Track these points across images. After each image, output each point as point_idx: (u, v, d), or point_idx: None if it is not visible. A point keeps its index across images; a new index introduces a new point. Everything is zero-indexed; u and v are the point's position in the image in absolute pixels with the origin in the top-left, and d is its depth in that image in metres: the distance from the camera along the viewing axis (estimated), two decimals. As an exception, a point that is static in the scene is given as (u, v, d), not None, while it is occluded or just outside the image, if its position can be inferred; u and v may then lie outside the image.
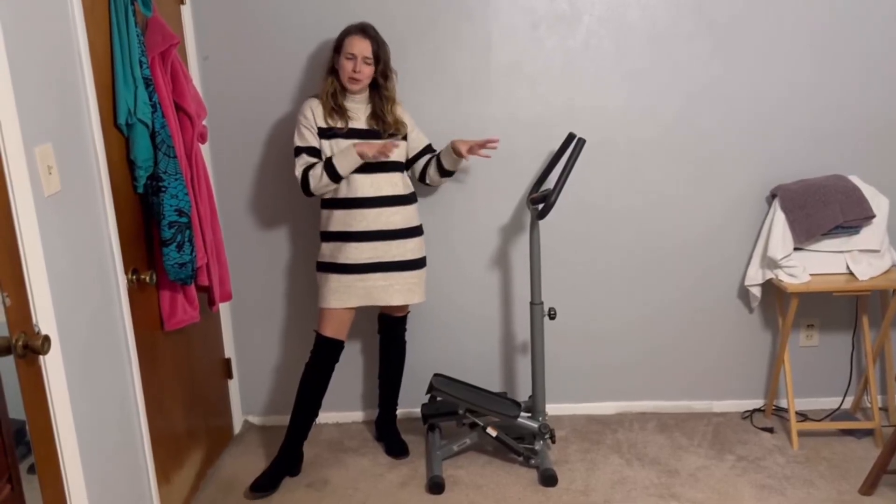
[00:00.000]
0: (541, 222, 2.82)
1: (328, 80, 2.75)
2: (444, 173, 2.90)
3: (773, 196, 3.10)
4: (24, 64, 1.75)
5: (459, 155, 2.80)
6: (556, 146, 2.98)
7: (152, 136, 2.29)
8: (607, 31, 2.98)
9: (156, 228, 2.40)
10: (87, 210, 2.05)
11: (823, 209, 2.93)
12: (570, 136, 2.86)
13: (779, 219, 3.00)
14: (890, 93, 3.04)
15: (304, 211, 3.12)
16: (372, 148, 2.65)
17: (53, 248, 1.83)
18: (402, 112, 2.86)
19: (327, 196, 2.79)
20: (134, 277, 2.29)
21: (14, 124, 1.69)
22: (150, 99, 2.27)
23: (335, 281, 2.79)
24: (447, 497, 2.80)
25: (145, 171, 2.31)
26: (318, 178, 2.69)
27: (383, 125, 2.79)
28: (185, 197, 2.38)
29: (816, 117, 3.06)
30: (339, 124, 2.74)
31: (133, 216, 2.35)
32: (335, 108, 2.73)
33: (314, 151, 2.74)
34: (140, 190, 2.35)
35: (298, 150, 2.75)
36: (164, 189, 2.33)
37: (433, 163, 2.90)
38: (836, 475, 2.88)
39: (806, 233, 2.96)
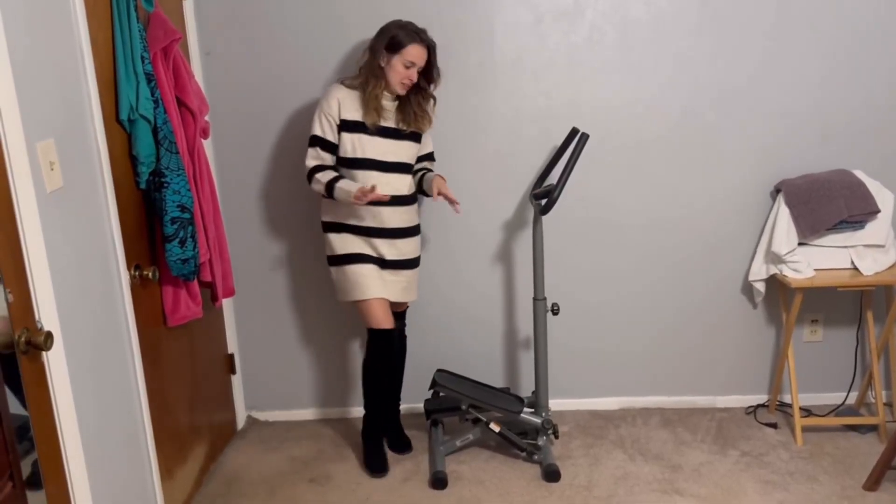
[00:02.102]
0: (544, 218, 2.81)
1: (375, 80, 2.65)
2: (420, 191, 2.87)
3: (777, 191, 3.09)
4: (25, 59, 1.75)
5: (431, 193, 2.77)
6: (560, 141, 2.97)
7: (154, 131, 2.29)
8: (611, 25, 2.96)
9: (158, 224, 2.40)
10: (89, 206, 2.04)
11: (828, 204, 2.92)
12: (574, 131, 2.85)
13: (783, 214, 2.99)
14: (895, 87, 3.02)
15: (307, 206, 3.12)
16: (363, 198, 2.63)
17: (56, 245, 1.83)
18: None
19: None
20: (136, 273, 2.29)
21: (16, 120, 1.69)
22: (152, 94, 2.27)
23: (369, 271, 2.77)
24: (450, 492, 2.80)
25: (147, 167, 2.31)
26: (319, 185, 2.69)
27: (413, 120, 2.73)
28: (187, 193, 2.38)
29: (821, 112, 3.04)
30: (370, 121, 2.68)
31: (135, 212, 2.35)
32: (377, 107, 2.66)
33: (329, 146, 2.71)
34: (142, 186, 2.35)
35: (314, 140, 2.71)
36: (166, 185, 2.33)
37: (417, 175, 2.86)
38: (839, 471, 2.87)
39: (810, 228, 2.95)
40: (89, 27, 2.04)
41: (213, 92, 2.99)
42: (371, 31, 2.95)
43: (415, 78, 2.67)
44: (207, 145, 2.96)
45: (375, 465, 2.94)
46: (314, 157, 2.72)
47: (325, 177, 2.67)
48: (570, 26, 2.96)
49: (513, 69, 3.01)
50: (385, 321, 2.80)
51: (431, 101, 2.79)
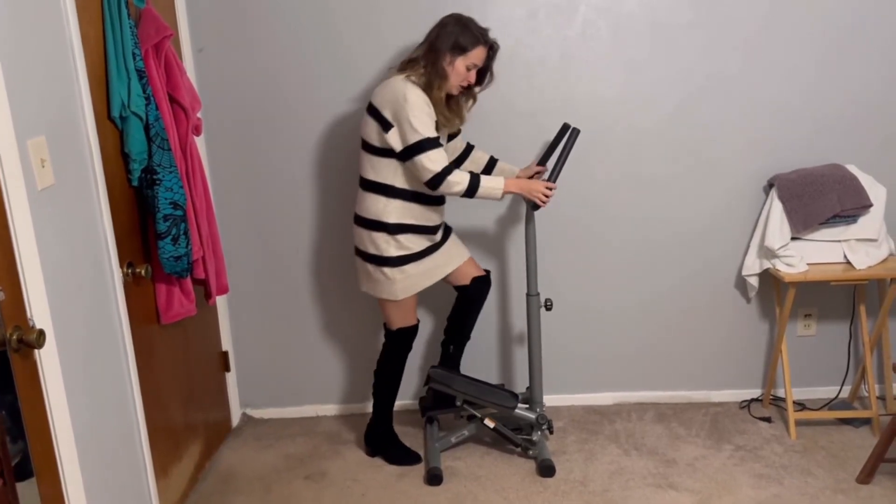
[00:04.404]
0: (537, 213, 2.81)
1: (440, 82, 2.56)
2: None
3: (770, 185, 3.09)
4: (16, 56, 1.74)
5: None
6: (553, 136, 2.96)
7: (146, 128, 2.28)
8: (605, 20, 2.96)
9: (151, 221, 2.39)
10: (81, 203, 2.04)
11: (821, 198, 2.93)
12: (565, 127, 2.85)
13: (776, 208, 2.99)
14: (888, 82, 3.03)
15: (300, 203, 3.12)
16: (531, 191, 2.64)
17: (47, 242, 1.83)
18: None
19: (415, 189, 2.64)
20: (129, 271, 2.28)
21: (6, 117, 1.68)
22: (144, 91, 2.26)
23: (414, 268, 2.74)
24: (445, 488, 2.80)
25: (140, 164, 2.30)
26: (459, 187, 2.56)
27: (449, 120, 2.67)
28: (179, 190, 2.37)
29: (814, 106, 3.05)
30: (441, 120, 2.62)
31: (128, 209, 2.35)
32: (442, 110, 2.59)
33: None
34: (135, 183, 2.34)
35: (433, 142, 2.52)
36: (158, 182, 2.32)
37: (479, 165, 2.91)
38: (833, 464, 2.88)
39: (803, 222, 2.95)
40: (80, 23, 2.03)
41: (205, 89, 2.98)
42: (365, 28, 2.96)
43: (473, 80, 2.63)
44: (200, 142, 2.95)
45: (412, 457, 2.98)
46: (441, 158, 2.54)
47: (462, 177, 2.56)
48: (564, 21, 2.96)
49: (506, 65, 2.99)
50: (414, 317, 2.85)
51: (472, 102, 2.75)
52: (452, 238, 2.90)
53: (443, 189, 2.57)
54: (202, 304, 2.79)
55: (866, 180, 2.97)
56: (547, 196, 2.67)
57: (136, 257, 2.37)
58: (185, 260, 2.42)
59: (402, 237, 2.67)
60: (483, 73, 2.68)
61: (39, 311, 1.77)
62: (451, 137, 2.87)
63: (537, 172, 2.88)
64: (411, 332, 2.86)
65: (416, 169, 2.56)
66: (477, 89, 2.72)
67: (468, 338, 3.02)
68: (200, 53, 2.98)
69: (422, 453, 3.02)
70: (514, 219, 3.16)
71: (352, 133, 3.06)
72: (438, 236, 2.81)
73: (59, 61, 1.96)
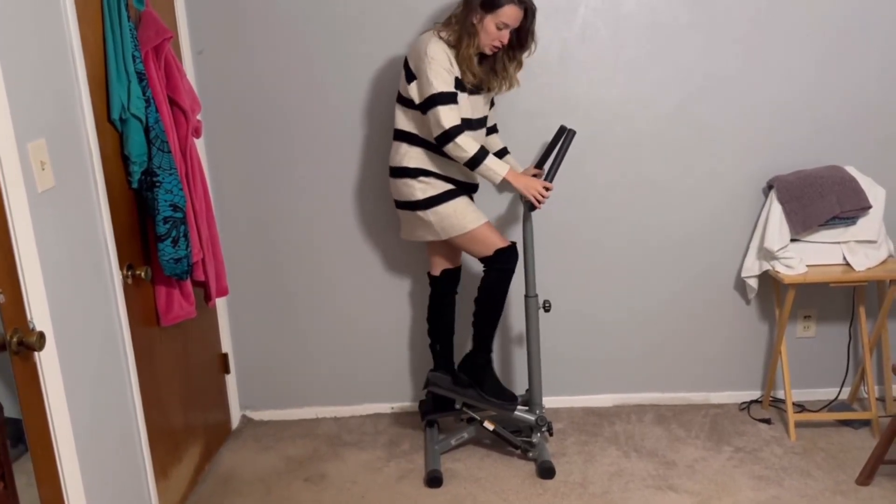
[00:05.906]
0: (535, 214, 2.81)
1: (468, 39, 2.57)
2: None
3: (769, 187, 3.10)
4: (16, 59, 1.74)
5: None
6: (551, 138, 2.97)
7: (146, 131, 2.29)
8: (603, 22, 2.96)
9: (151, 224, 2.39)
10: (81, 206, 2.04)
11: (820, 200, 2.93)
12: (562, 129, 2.85)
13: (775, 210, 2.99)
14: (888, 83, 3.03)
15: (300, 205, 3.12)
16: (528, 187, 2.66)
17: (48, 245, 1.83)
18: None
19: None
20: (129, 273, 2.29)
21: (6, 120, 1.68)
22: (144, 94, 2.26)
23: (466, 201, 2.75)
24: (445, 490, 2.80)
25: (139, 167, 2.31)
26: (462, 152, 2.57)
27: (491, 80, 2.71)
28: (179, 192, 2.37)
29: (814, 108, 3.05)
30: (466, 81, 2.64)
31: (128, 211, 2.35)
32: (470, 67, 2.61)
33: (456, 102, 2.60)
34: (134, 185, 2.35)
35: (446, 97, 2.56)
36: (158, 184, 2.32)
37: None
38: (833, 466, 2.88)
39: (802, 224, 2.96)
40: (80, 26, 2.04)
41: (205, 91, 2.98)
42: (366, 30, 2.96)
43: (505, 40, 2.61)
44: (200, 144, 2.96)
45: (508, 395, 2.89)
46: (455, 111, 2.57)
47: (470, 146, 2.58)
48: (563, 23, 2.96)
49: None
50: (505, 239, 2.78)
51: (516, 63, 2.72)
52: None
53: (449, 149, 2.59)
54: (202, 306, 2.79)
55: (865, 182, 2.97)
56: (543, 196, 2.69)
57: (135, 259, 2.37)
58: (184, 262, 2.42)
59: (424, 179, 2.70)
60: (524, 37, 2.66)
61: (39, 314, 1.78)
62: (490, 131, 2.91)
63: (534, 175, 2.88)
64: (512, 251, 2.76)
65: (430, 123, 2.61)
66: (525, 55, 2.72)
67: (452, 332, 3.01)
68: (200, 55, 2.98)
69: (422, 455, 3.02)
70: (511, 219, 3.16)
71: (352, 135, 3.07)
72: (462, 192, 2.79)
73: (58, 64, 1.96)
